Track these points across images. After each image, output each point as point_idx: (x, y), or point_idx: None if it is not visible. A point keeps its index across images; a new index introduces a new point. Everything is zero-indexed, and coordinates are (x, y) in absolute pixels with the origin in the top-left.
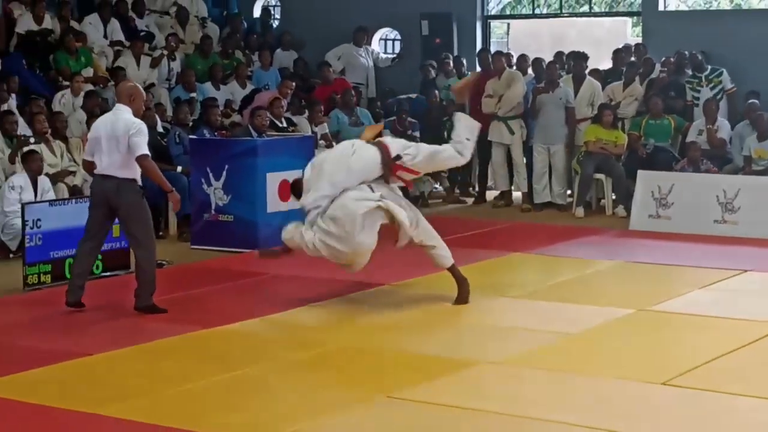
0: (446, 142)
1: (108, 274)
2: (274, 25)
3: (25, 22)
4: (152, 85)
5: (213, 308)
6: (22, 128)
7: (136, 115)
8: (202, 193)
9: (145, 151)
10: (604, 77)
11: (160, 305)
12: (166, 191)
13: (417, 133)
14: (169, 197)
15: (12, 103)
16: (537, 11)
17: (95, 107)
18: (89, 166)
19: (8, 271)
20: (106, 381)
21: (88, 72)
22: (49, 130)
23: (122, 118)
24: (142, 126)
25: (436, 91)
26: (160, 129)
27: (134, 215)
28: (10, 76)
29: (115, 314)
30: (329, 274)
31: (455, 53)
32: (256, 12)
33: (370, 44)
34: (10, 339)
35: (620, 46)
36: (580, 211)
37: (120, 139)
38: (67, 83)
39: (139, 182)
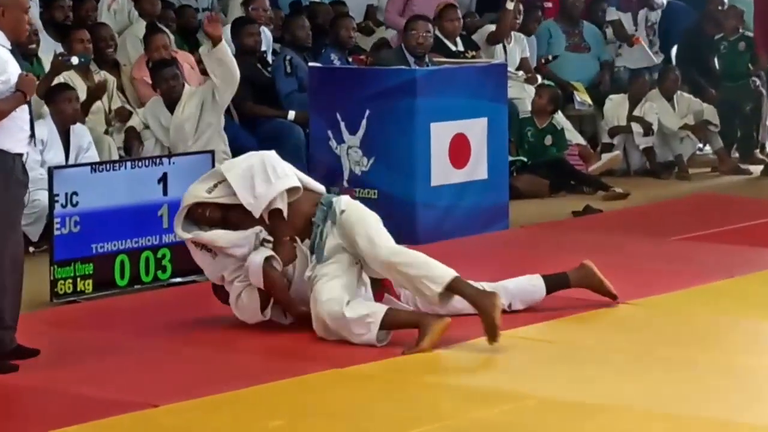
0: (716, 77)
1: (179, 280)
2: None
3: None
4: None
5: None
6: (48, 46)
7: (14, 38)
8: (329, 154)
9: None
10: None
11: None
12: None
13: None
14: None
15: (34, 11)
16: None
17: (152, 12)
18: None
19: (29, 273)
20: None
21: None
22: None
23: None
24: None
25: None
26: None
27: None
28: None
29: (189, 344)
30: None
31: None
32: None
33: None
34: (32, 380)
35: None
36: None
37: None
38: None
39: (19, 151)
